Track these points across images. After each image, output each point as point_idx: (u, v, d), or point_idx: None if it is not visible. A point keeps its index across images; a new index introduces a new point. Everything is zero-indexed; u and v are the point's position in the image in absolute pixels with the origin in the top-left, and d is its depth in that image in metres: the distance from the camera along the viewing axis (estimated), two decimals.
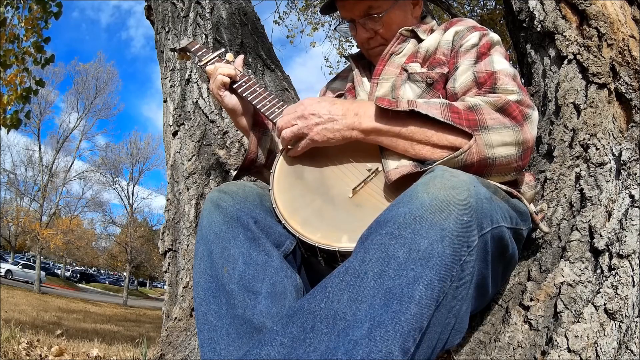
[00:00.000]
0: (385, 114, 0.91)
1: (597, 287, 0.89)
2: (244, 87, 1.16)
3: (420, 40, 1.14)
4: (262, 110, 1.11)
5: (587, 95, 1.18)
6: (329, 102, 0.96)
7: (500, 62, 0.99)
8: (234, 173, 1.83)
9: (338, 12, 1.20)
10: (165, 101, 2.17)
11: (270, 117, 1.09)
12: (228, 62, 1.20)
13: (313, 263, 0.98)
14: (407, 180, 0.85)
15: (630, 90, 1.13)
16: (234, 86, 1.16)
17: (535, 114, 0.92)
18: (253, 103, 1.13)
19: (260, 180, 1.65)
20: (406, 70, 1.08)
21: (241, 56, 1.23)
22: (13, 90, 4.35)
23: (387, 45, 1.15)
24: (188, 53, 1.32)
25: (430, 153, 0.89)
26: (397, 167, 0.89)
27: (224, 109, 1.42)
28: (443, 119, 0.87)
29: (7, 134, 4.50)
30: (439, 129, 0.88)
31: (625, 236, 0.92)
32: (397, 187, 0.88)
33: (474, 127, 0.87)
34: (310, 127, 0.95)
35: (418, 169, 0.87)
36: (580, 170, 1.09)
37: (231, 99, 1.17)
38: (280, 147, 1.23)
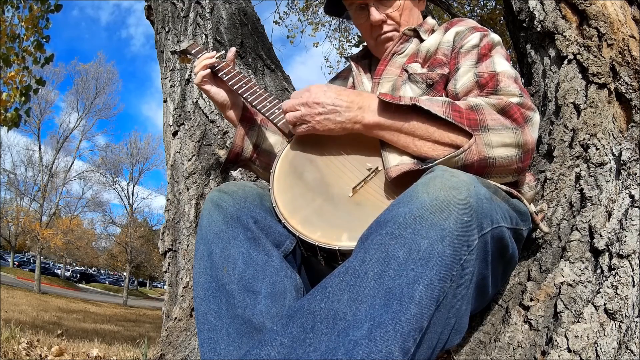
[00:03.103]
0: (388, 108, 0.92)
1: (597, 287, 0.89)
2: (229, 76, 1.17)
3: (421, 40, 1.14)
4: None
5: (587, 95, 1.18)
6: (334, 92, 0.95)
7: (501, 63, 0.99)
8: (233, 173, 1.83)
9: (341, 10, 1.20)
10: (165, 101, 2.18)
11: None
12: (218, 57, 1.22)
13: (313, 263, 0.98)
14: (407, 179, 0.85)
15: (630, 90, 1.13)
16: (216, 72, 1.18)
17: (536, 117, 0.92)
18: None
19: (260, 181, 1.65)
20: (406, 71, 1.08)
21: (233, 49, 1.23)
22: (13, 89, 4.36)
23: (399, 31, 1.15)
24: (189, 55, 1.32)
25: (432, 150, 0.89)
26: (397, 165, 0.89)
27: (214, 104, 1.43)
28: (444, 116, 0.87)
29: (8, 132, 4.51)
30: (440, 126, 0.89)
31: (625, 236, 0.91)
32: (397, 185, 0.89)
33: (474, 127, 0.87)
34: (312, 115, 0.95)
35: (419, 166, 0.88)
36: (580, 170, 1.09)
37: (219, 93, 1.18)
38: (270, 142, 1.23)
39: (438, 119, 0.88)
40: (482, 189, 0.75)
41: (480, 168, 0.88)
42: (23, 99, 4.40)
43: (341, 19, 1.28)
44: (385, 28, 1.15)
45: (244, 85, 1.15)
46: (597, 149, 1.09)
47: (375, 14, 1.13)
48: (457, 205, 0.68)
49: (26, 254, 37.20)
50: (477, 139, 0.86)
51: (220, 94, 1.18)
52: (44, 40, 4.45)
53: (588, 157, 1.09)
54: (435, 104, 0.89)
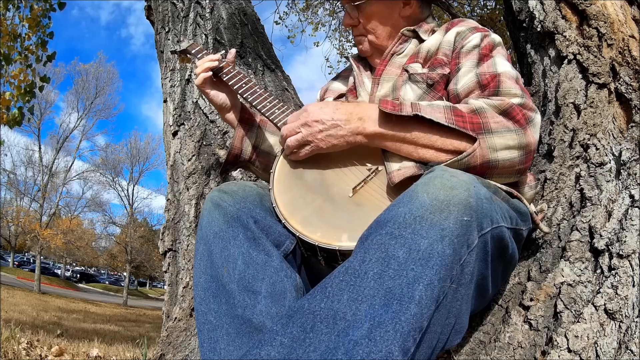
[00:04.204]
0: (389, 117, 0.91)
1: (597, 287, 0.89)
2: (229, 76, 1.17)
3: (421, 41, 1.14)
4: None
5: (587, 95, 1.18)
6: (332, 108, 0.95)
7: (502, 64, 0.99)
8: (233, 173, 1.83)
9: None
10: (165, 101, 2.18)
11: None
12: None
13: (313, 263, 0.98)
14: (407, 180, 0.85)
15: (630, 90, 1.13)
16: (217, 72, 1.17)
17: (538, 118, 0.92)
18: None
19: (260, 180, 1.65)
20: (407, 71, 1.08)
21: (232, 50, 1.23)
22: (16, 88, 4.37)
23: (366, 36, 1.16)
24: (188, 55, 1.32)
25: (435, 157, 0.89)
26: (400, 169, 0.89)
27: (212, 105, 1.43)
28: (447, 123, 0.87)
29: (12, 129, 4.51)
30: (443, 133, 0.88)
31: (625, 236, 0.91)
32: (397, 186, 0.88)
33: (478, 131, 0.87)
34: (314, 134, 0.94)
35: (421, 170, 0.87)
36: (580, 170, 1.09)
37: (218, 95, 1.18)
38: (270, 142, 1.23)
39: (441, 126, 0.88)
40: (482, 189, 0.75)
41: (483, 170, 0.88)
42: (27, 97, 4.41)
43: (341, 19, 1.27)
44: (355, 32, 1.18)
45: (244, 85, 1.15)
46: (597, 149, 1.09)
47: (346, 18, 1.17)
48: (456, 205, 0.68)
49: (26, 254, 37.22)
50: (481, 142, 0.86)
51: (219, 96, 1.18)
52: (48, 37, 4.46)
53: (588, 157, 1.09)
54: (436, 110, 0.89)
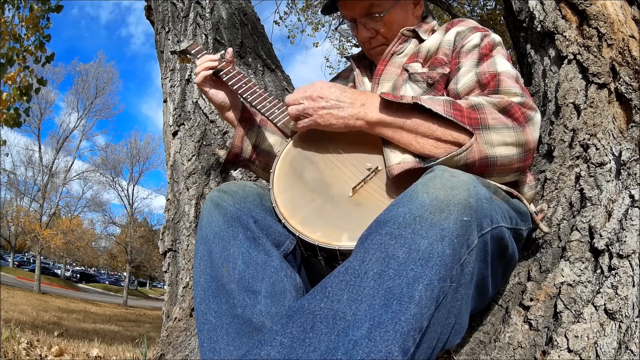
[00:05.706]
0: (390, 106, 0.92)
1: (597, 287, 0.89)
2: (229, 76, 1.17)
3: (421, 41, 1.14)
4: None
5: (587, 95, 1.18)
6: (339, 89, 0.96)
7: (502, 63, 0.99)
8: (233, 173, 1.83)
9: (339, 12, 1.20)
10: (165, 101, 2.18)
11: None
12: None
13: (313, 263, 0.98)
14: (407, 179, 0.85)
15: (630, 90, 1.13)
16: (216, 72, 1.17)
17: (537, 117, 0.92)
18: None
19: (260, 180, 1.65)
20: (407, 71, 1.08)
21: (230, 49, 1.23)
22: (14, 89, 4.37)
23: (388, 45, 1.15)
24: (189, 55, 1.32)
25: (434, 147, 0.89)
26: (399, 162, 0.90)
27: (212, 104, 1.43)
28: (445, 114, 0.87)
29: (11, 128, 4.51)
30: (442, 124, 0.89)
31: (625, 236, 0.91)
32: (397, 185, 0.89)
33: (475, 126, 0.87)
34: (315, 109, 0.95)
35: (421, 164, 0.88)
36: (580, 170, 1.09)
37: (218, 94, 1.18)
38: (270, 142, 1.23)
39: (440, 118, 0.88)
40: (482, 189, 0.75)
41: (481, 167, 0.88)
42: (25, 98, 4.41)
43: (341, 19, 1.26)
44: (374, 43, 1.16)
45: (243, 85, 1.15)
46: (597, 149, 1.09)
47: (363, 32, 1.15)
48: (456, 205, 0.68)
49: (26, 254, 37.20)
50: (478, 137, 0.86)
51: (219, 95, 1.18)
52: (45, 39, 4.46)
53: (588, 157, 1.09)
54: (436, 103, 0.89)
